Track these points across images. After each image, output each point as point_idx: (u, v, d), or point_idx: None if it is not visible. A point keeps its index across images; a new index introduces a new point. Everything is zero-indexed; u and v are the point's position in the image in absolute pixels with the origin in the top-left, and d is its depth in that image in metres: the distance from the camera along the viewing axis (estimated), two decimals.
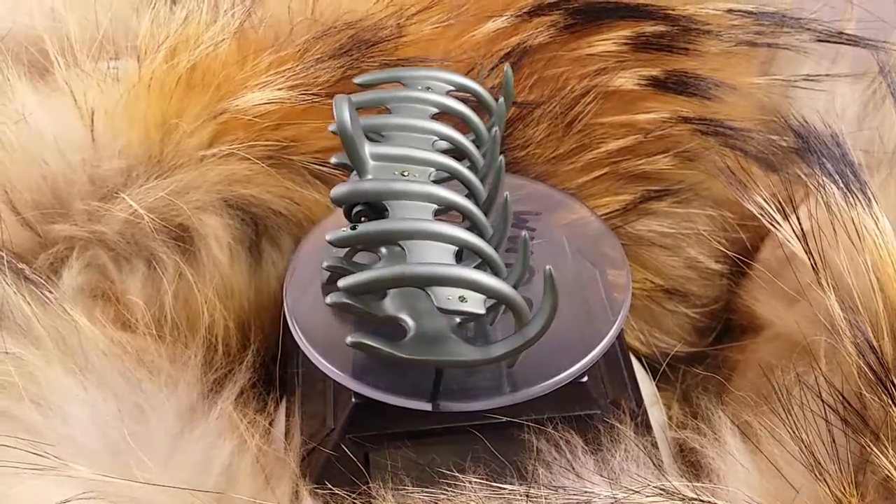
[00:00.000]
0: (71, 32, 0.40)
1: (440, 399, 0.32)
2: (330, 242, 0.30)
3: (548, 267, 0.29)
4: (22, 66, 0.39)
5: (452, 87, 0.36)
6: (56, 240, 0.37)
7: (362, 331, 0.30)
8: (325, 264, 0.32)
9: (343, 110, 0.30)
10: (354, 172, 0.32)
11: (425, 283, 0.29)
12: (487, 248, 0.30)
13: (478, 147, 0.35)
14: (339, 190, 0.31)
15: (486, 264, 0.31)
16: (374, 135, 0.34)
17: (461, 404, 0.32)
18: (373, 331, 0.30)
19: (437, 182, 0.32)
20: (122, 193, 0.37)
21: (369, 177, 0.32)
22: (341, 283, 0.29)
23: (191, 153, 0.37)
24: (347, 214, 0.32)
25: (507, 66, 0.36)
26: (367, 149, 0.32)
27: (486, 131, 0.35)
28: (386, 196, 0.31)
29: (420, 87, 0.35)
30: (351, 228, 0.30)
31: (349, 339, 0.30)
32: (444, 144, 0.34)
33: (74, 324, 0.34)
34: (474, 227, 0.32)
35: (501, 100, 0.35)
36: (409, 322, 0.30)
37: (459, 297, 0.30)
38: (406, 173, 0.32)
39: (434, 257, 0.30)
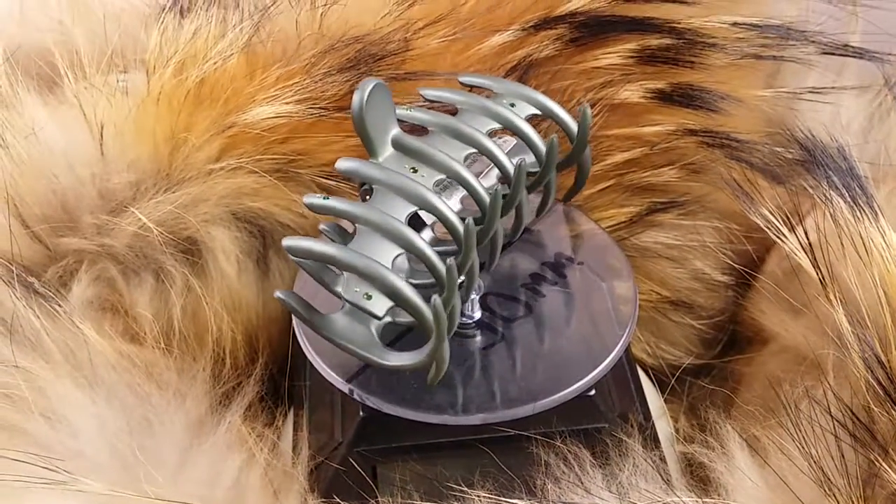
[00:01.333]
0: (80, 46, 0.40)
1: (448, 412, 0.32)
2: (304, 204, 0.31)
3: (434, 297, 0.29)
4: (31, 80, 0.39)
5: (538, 111, 0.35)
6: (65, 253, 0.37)
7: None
8: (321, 226, 0.32)
9: (362, 92, 0.31)
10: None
11: (342, 267, 0.30)
12: (430, 255, 0.30)
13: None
14: (344, 163, 0.32)
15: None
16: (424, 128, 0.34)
17: (468, 417, 0.32)
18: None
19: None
20: (131, 207, 0.37)
21: (378, 160, 0.32)
22: (284, 240, 0.30)
23: (199, 167, 0.38)
24: (359, 187, 0.33)
25: (586, 107, 0.34)
26: (393, 136, 0.32)
27: (546, 159, 0.34)
28: (375, 181, 0.32)
29: (506, 102, 0.35)
30: (324, 198, 0.31)
31: (277, 293, 0.30)
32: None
33: (83, 337, 0.34)
34: (455, 239, 0.32)
35: (553, 137, 0.34)
36: (347, 304, 0.31)
37: (365, 294, 0.30)
38: (416, 170, 0.32)
39: (373, 249, 0.30)
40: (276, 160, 0.38)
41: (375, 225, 0.30)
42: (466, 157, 0.33)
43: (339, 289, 0.31)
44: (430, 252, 0.30)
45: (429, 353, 0.30)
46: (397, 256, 0.30)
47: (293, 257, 0.30)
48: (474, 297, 0.34)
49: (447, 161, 0.32)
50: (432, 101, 0.35)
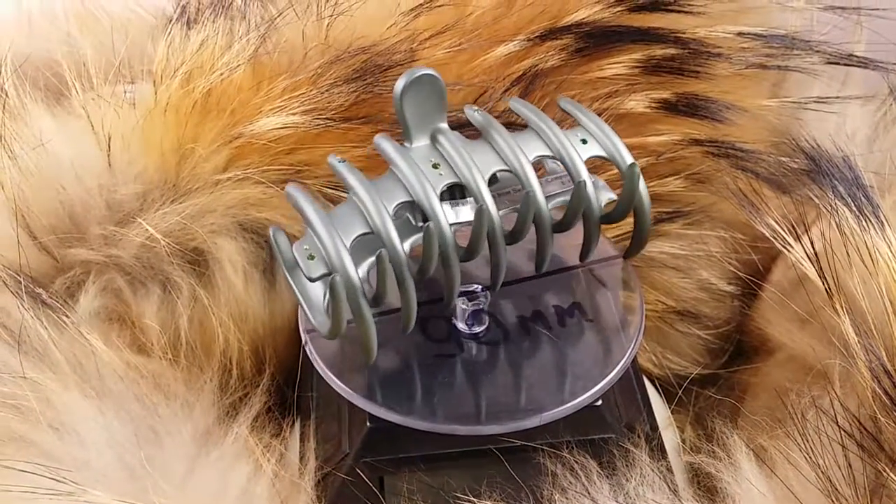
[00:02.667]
0: (87, 57, 0.40)
1: (455, 423, 0.32)
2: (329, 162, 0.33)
3: (335, 275, 0.30)
4: (39, 91, 0.40)
5: (604, 154, 0.34)
6: (73, 264, 0.37)
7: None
8: None
9: (406, 78, 0.32)
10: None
11: (305, 222, 0.31)
12: (395, 242, 0.31)
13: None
14: (378, 139, 0.33)
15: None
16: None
17: (475, 428, 0.32)
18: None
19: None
20: (138, 218, 0.37)
21: (409, 146, 0.33)
22: (287, 186, 0.32)
23: (206, 177, 0.38)
24: None
25: (636, 166, 0.33)
26: (435, 128, 0.32)
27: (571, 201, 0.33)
28: (390, 162, 0.33)
29: (579, 136, 0.34)
30: (339, 161, 0.32)
31: (271, 228, 0.32)
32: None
33: (91, 348, 0.34)
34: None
35: (581, 181, 0.33)
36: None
37: (309, 255, 0.31)
38: (437, 166, 0.32)
39: (344, 219, 0.31)
40: (283, 171, 0.38)
41: (358, 198, 0.31)
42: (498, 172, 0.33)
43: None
44: (396, 240, 0.31)
45: (330, 329, 0.31)
46: (364, 234, 0.31)
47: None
48: (469, 308, 0.34)
49: (466, 167, 0.32)
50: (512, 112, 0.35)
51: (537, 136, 0.34)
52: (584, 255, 0.35)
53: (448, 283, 0.32)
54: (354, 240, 0.31)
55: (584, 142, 0.34)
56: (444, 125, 0.33)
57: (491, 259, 0.33)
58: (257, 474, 0.33)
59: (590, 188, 0.33)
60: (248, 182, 0.38)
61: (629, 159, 0.33)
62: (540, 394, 0.32)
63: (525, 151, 0.33)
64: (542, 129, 0.34)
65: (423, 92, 0.32)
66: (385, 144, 0.33)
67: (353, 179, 0.32)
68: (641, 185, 0.34)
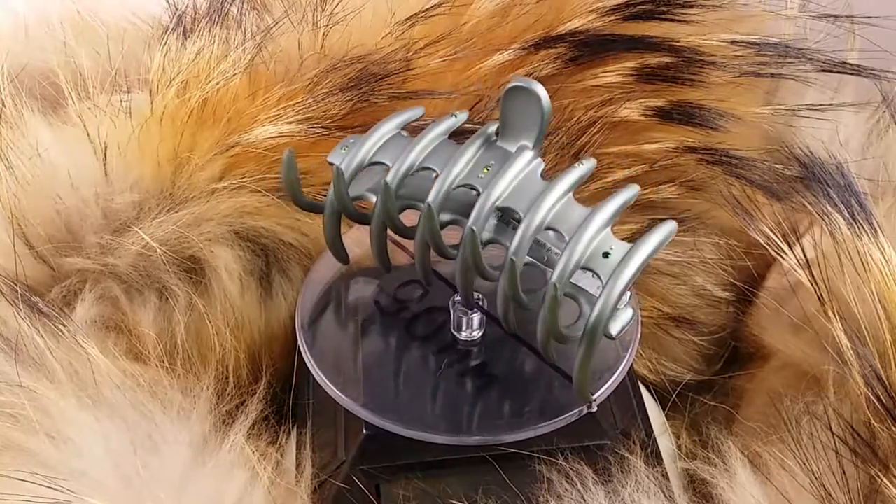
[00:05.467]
0: (84, 66, 0.40)
1: (450, 431, 0.32)
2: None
3: (288, 150, 0.32)
4: (35, 101, 0.40)
5: (602, 276, 0.30)
6: (69, 273, 0.37)
7: None
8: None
9: (510, 85, 0.32)
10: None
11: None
12: (392, 176, 0.32)
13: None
14: (489, 123, 0.34)
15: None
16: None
17: (472, 437, 0.32)
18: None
19: None
20: (135, 227, 0.37)
21: (493, 140, 0.33)
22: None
23: (202, 186, 0.38)
24: None
25: (557, 292, 0.29)
26: (524, 141, 0.32)
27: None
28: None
29: (613, 247, 0.30)
30: (452, 116, 0.34)
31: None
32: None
33: (87, 356, 0.34)
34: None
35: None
36: None
37: (343, 146, 0.34)
38: (488, 170, 0.32)
39: (394, 146, 0.34)
40: (279, 179, 0.38)
41: (413, 142, 0.33)
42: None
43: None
44: (392, 183, 0.32)
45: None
46: (382, 164, 0.33)
47: None
48: (456, 310, 0.34)
49: (490, 185, 0.32)
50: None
51: (584, 216, 0.30)
52: (542, 352, 0.33)
53: (419, 266, 0.33)
54: (375, 164, 0.33)
55: (606, 255, 0.30)
56: (529, 144, 0.32)
57: (456, 278, 0.33)
58: (254, 482, 0.33)
59: (556, 290, 0.30)
60: (244, 191, 0.38)
61: (593, 302, 0.29)
62: (536, 402, 0.32)
63: (553, 216, 0.31)
64: (591, 214, 0.30)
65: (522, 103, 0.32)
66: (483, 127, 0.33)
67: (427, 128, 0.33)
68: (595, 318, 0.29)
